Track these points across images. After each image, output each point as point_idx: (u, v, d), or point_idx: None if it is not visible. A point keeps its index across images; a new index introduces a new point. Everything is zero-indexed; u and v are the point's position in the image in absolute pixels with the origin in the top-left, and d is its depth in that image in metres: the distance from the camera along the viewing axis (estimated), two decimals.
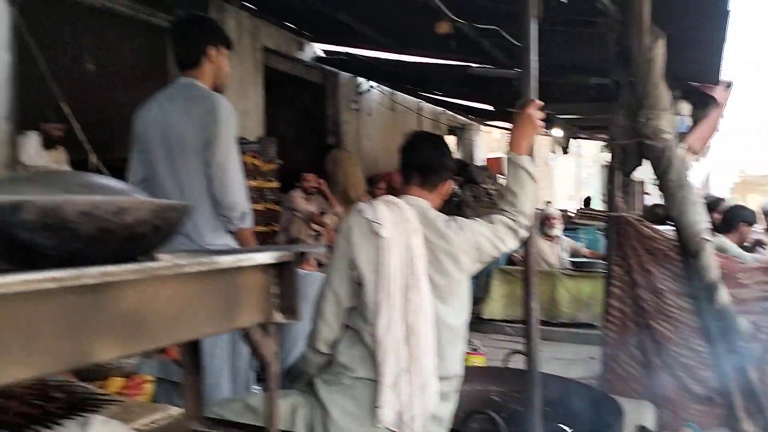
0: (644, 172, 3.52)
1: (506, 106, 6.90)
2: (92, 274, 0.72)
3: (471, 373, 2.32)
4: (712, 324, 2.77)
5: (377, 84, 8.68)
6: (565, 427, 2.46)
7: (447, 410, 1.94)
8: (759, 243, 5.72)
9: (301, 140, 7.75)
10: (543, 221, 6.21)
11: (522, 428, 2.15)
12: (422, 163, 2.04)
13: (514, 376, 2.63)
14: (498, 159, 11.62)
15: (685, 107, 6.51)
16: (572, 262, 6.42)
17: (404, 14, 5.20)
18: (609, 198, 3.15)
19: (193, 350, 1.29)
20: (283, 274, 1.12)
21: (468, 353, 3.26)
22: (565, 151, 11.52)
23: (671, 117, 2.99)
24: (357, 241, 1.85)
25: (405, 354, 1.78)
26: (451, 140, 12.14)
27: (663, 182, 2.87)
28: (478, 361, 3.60)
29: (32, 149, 4.68)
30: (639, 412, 2.66)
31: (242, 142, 4.45)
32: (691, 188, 2.84)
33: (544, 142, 12.00)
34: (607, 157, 4.32)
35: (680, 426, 2.79)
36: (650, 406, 2.78)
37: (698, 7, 3.89)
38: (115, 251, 0.81)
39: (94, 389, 1.49)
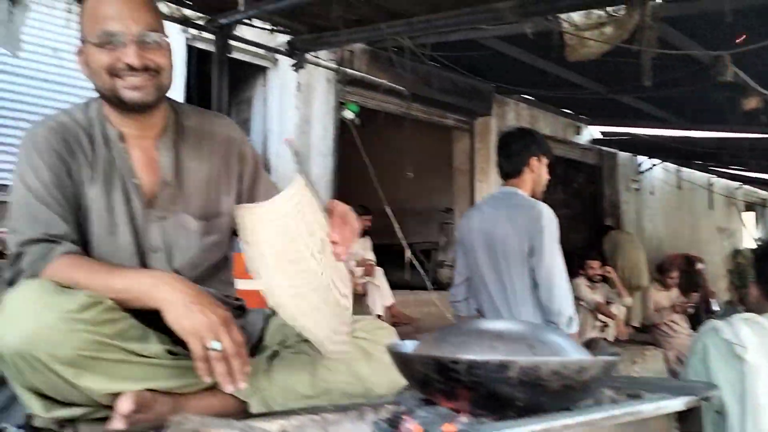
0: None
1: None
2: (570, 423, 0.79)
3: None
4: None
5: (660, 161, 8.16)
6: None
7: None
8: None
9: (576, 222, 7.59)
10: None
11: None
12: None
13: None
14: None
15: None
16: None
17: (701, 93, 4.86)
18: None
19: None
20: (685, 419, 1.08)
21: None
22: None
23: None
24: (714, 365, 1.70)
25: None
26: (749, 217, 10.69)
27: None
28: None
29: None
30: None
31: None
32: None
33: None
34: None
35: None
36: None
37: None
38: (559, 401, 0.88)
39: None
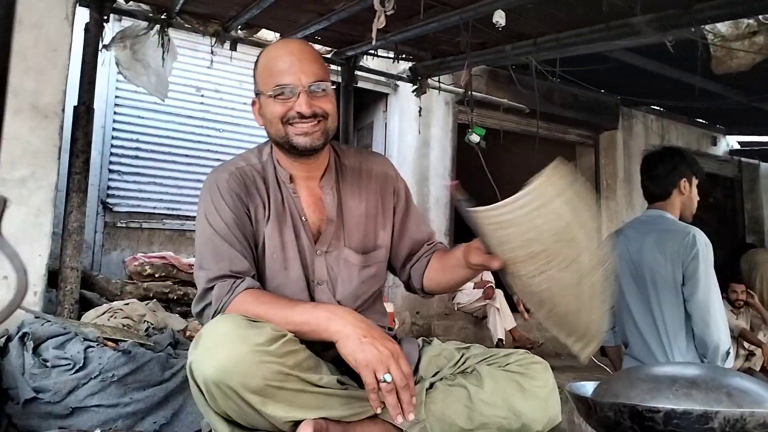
0: None
1: None
2: None
3: None
4: None
5: None
6: None
7: None
8: None
9: (713, 241, 7.02)
10: None
11: None
12: None
13: None
14: None
15: None
16: None
17: None
18: None
19: None
20: None
21: None
22: None
23: None
24: None
25: None
26: None
27: None
28: None
29: None
30: None
31: None
32: None
33: None
34: None
35: None
36: None
37: None
38: None
39: None
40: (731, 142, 6.67)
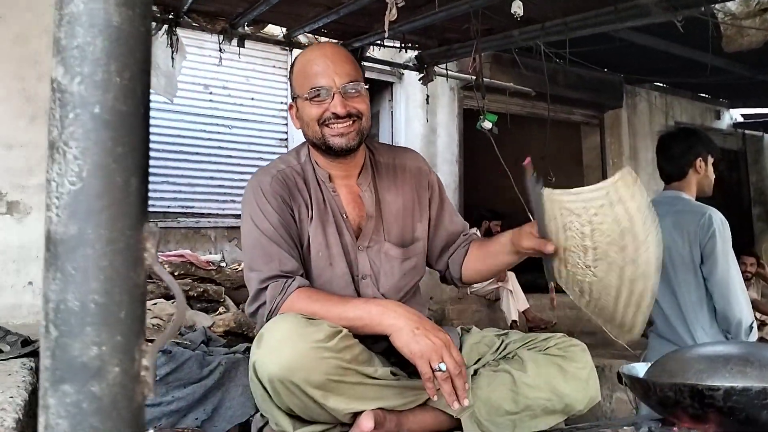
0: None
1: None
2: None
3: None
4: None
5: None
6: None
7: None
8: None
9: None
10: None
11: None
12: None
13: None
14: None
15: None
16: None
17: None
18: None
19: None
20: None
21: None
22: None
23: None
24: None
25: None
26: None
27: None
28: None
29: None
30: None
31: None
32: None
33: None
34: None
35: None
36: None
37: None
38: None
39: None
40: (735, 115, 6.69)
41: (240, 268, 3.95)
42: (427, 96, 4.60)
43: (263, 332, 1.18)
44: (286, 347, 1.13)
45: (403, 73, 5.15)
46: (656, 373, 0.95)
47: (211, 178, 4.49)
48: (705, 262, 2.23)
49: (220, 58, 3.93)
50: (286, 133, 4.78)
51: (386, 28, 2.69)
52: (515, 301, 5.47)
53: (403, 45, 3.98)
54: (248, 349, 2.36)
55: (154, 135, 4.33)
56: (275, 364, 1.13)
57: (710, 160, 2.39)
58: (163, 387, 2.01)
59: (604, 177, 6.06)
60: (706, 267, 2.23)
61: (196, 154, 4.49)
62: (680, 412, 0.87)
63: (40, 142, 3.18)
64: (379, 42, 3.96)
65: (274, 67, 4.81)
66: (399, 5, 2.63)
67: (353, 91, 1.36)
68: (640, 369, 1.04)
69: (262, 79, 4.75)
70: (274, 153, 4.61)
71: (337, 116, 1.35)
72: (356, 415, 1.21)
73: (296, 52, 4.65)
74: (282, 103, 4.80)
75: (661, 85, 6.04)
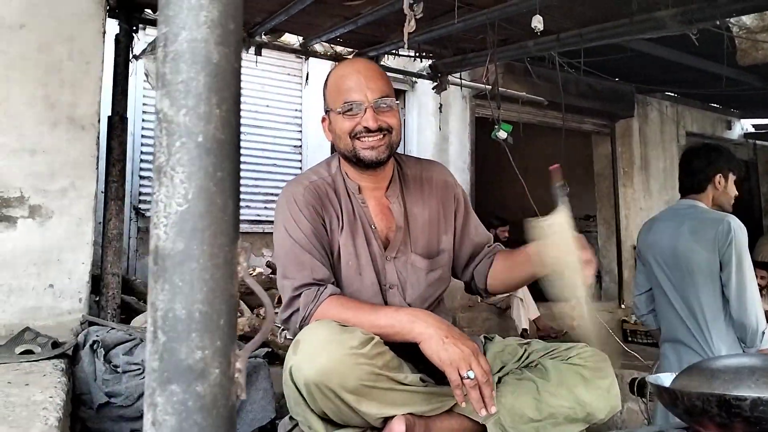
0: None
1: None
2: None
3: None
4: None
5: None
6: None
7: None
8: None
9: None
10: None
11: None
12: None
13: None
14: None
15: None
16: None
17: None
18: None
19: None
20: None
21: None
22: None
23: None
24: None
25: None
26: None
27: None
28: None
29: None
30: None
31: None
32: None
33: None
34: None
35: None
36: None
37: None
38: None
39: None
40: (746, 125, 6.70)
41: (254, 273, 3.99)
42: (440, 104, 4.64)
43: (299, 338, 1.22)
44: (323, 353, 1.17)
45: (415, 82, 5.20)
46: (683, 383, 0.98)
47: None
48: (724, 269, 2.26)
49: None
50: (301, 140, 4.83)
51: (405, 39, 2.74)
52: (526, 310, 5.48)
53: (417, 54, 4.03)
54: (268, 354, 2.39)
55: None
56: (312, 370, 1.17)
57: (732, 177, 2.40)
58: None
59: (615, 186, 6.09)
60: (725, 274, 2.25)
61: None
62: (707, 421, 0.90)
63: (62, 148, 3.24)
64: (394, 51, 4.01)
65: (289, 75, 4.87)
66: (417, 17, 2.68)
67: (384, 105, 1.41)
68: (666, 379, 1.07)
69: (277, 87, 4.81)
70: (288, 160, 4.67)
71: (368, 130, 1.39)
72: (386, 419, 1.25)
73: (312, 60, 4.72)
74: (296, 110, 4.86)
75: (673, 94, 6.06)
